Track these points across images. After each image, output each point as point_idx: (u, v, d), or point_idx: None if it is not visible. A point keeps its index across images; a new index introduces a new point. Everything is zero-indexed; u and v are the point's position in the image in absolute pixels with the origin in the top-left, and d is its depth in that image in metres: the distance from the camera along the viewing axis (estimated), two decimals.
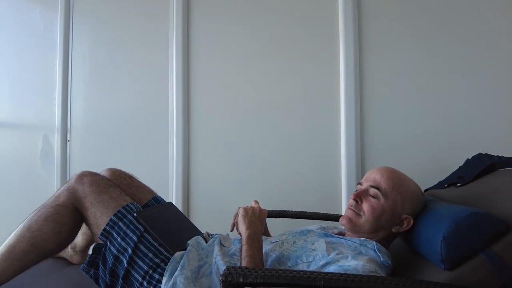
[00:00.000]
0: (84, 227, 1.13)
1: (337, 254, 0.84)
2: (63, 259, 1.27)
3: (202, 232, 1.13)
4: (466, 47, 1.47)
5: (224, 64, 1.74)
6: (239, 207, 1.00)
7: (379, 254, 0.85)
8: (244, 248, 0.86)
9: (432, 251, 0.78)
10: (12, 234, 0.98)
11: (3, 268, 0.94)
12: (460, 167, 1.20)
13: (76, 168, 1.96)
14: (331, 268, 0.80)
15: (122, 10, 1.93)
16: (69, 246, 1.25)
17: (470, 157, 1.20)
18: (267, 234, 1.25)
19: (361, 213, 0.92)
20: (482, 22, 1.46)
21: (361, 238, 0.91)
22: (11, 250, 0.95)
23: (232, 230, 1.02)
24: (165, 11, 1.82)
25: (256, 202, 1.04)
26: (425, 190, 1.22)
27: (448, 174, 1.20)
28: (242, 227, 0.92)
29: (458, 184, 1.06)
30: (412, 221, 0.90)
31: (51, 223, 0.97)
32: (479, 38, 1.46)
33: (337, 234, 0.99)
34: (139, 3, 1.90)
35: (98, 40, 1.99)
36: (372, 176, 0.94)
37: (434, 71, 1.49)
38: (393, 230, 0.91)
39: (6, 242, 0.97)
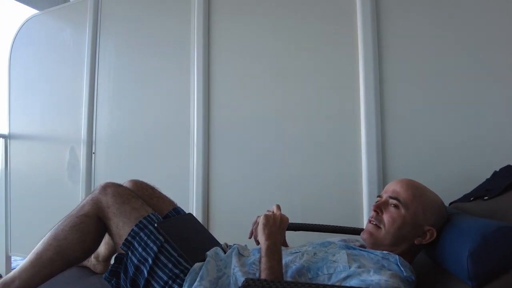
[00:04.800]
0: (107, 237, 1.15)
1: (359, 266, 0.82)
2: (86, 268, 1.30)
3: (221, 243, 1.14)
4: (495, 49, 1.37)
5: (244, 77, 1.77)
6: (258, 216, 0.98)
7: (402, 269, 0.83)
8: (263, 260, 0.85)
9: (458, 266, 0.74)
10: (40, 242, 1.01)
11: (31, 274, 0.97)
12: (487, 179, 1.15)
13: (101, 179, 2.02)
14: (353, 282, 0.78)
15: (145, 30, 2.01)
16: (92, 256, 1.27)
17: (498, 169, 1.15)
18: (284, 244, 1.23)
19: (382, 225, 0.90)
20: None
21: (384, 251, 0.89)
22: (39, 257, 0.99)
23: (250, 237, 1.01)
24: (186, 29, 1.88)
25: (278, 207, 0.97)
26: (450, 203, 1.18)
27: (475, 187, 1.16)
28: (262, 237, 0.90)
29: (485, 197, 1.02)
30: (435, 233, 0.87)
31: (76, 232, 1.00)
32: (509, 40, 1.35)
33: (359, 246, 0.97)
34: (161, 24, 1.97)
35: (122, 58, 2.07)
36: (392, 187, 0.93)
37: (459, 76, 1.41)
38: (415, 242, 0.89)
39: (34, 249, 1.01)
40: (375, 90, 1.50)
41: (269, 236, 0.89)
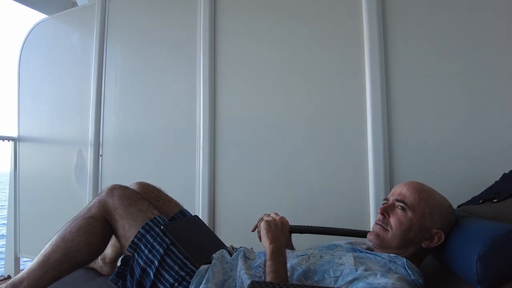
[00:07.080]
0: (113, 239, 1.16)
1: (365, 270, 0.81)
2: (93, 269, 1.31)
3: (227, 245, 1.14)
4: (505, 50, 1.35)
5: (249, 79, 1.77)
6: (265, 213, 1.01)
7: (410, 272, 0.82)
8: (268, 263, 0.85)
9: (467, 270, 0.73)
10: (48, 244, 1.02)
11: (39, 276, 0.98)
12: (496, 181, 1.13)
13: (107, 181, 2.04)
14: (359, 285, 0.78)
15: (151, 34, 2.03)
16: (99, 258, 1.28)
17: (507, 171, 1.14)
18: (291, 247, 1.23)
19: (389, 228, 0.90)
20: None
21: (391, 254, 0.88)
22: (47, 259, 1.00)
23: (253, 231, 1.04)
24: (192, 32, 1.89)
25: (276, 214, 1.02)
26: (459, 206, 1.16)
27: (484, 189, 1.14)
28: (266, 242, 0.91)
29: (495, 200, 1.00)
30: (443, 236, 0.86)
31: (83, 234, 1.01)
32: None
33: (365, 249, 0.96)
34: (167, 28, 1.99)
35: (129, 62, 2.09)
36: (398, 190, 0.93)
37: (467, 78, 1.40)
38: (423, 245, 0.88)
39: (42, 251, 1.02)
40: (382, 93, 1.50)
41: (273, 240, 0.90)
